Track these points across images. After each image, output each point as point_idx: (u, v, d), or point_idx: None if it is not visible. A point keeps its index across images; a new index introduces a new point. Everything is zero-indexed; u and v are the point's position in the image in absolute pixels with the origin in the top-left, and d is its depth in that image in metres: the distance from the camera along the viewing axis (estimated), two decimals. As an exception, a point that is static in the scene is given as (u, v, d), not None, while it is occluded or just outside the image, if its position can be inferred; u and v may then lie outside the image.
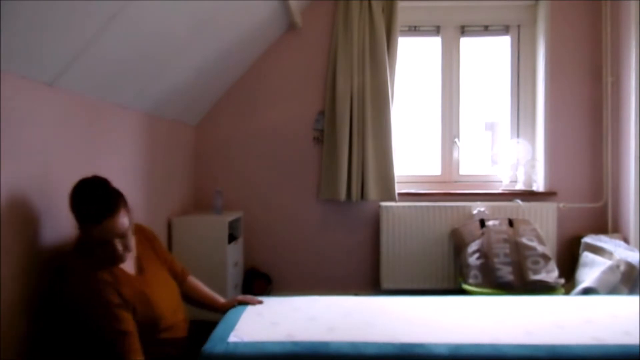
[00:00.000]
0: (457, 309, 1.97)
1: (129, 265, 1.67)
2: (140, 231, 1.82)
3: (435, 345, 1.57)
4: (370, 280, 3.44)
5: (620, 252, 2.80)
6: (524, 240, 2.93)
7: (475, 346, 1.56)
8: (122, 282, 1.58)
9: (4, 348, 1.49)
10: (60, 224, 1.83)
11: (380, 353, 1.55)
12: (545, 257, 2.88)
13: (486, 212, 3.28)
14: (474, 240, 3.03)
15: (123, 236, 1.58)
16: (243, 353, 1.55)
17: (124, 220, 1.57)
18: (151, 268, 1.75)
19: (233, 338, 1.62)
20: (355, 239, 3.47)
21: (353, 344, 1.58)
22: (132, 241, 1.66)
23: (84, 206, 1.54)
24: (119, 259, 1.59)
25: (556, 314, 1.90)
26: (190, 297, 1.94)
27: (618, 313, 1.88)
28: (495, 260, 2.86)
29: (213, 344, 1.57)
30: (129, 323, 1.53)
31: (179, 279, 1.91)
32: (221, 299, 2.01)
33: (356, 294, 3.17)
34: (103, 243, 1.55)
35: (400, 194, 3.33)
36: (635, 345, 1.54)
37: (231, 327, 1.71)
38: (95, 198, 1.55)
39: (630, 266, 2.68)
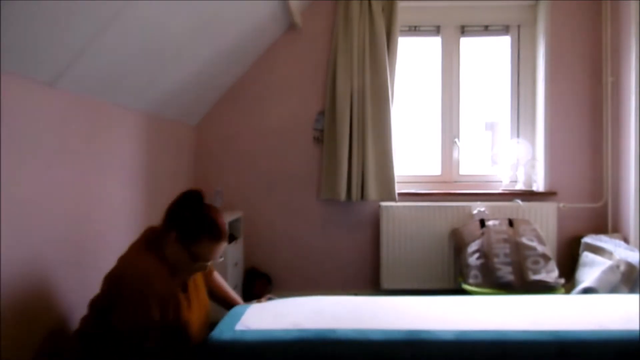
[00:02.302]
0: (461, 307, 1.99)
1: (177, 281, 1.65)
2: None
3: (442, 331, 1.58)
4: (370, 280, 3.44)
5: (620, 252, 2.80)
6: (524, 240, 2.93)
7: (481, 332, 1.58)
8: (170, 298, 1.55)
9: (4, 348, 1.49)
10: (60, 223, 1.83)
11: (386, 338, 1.55)
12: (545, 257, 2.88)
13: (486, 212, 3.28)
14: (474, 240, 3.03)
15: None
16: (250, 339, 1.55)
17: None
18: (194, 287, 1.73)
19: (240, 326, 1.62)
20: (355, 239, 3.47)
21: (359, 331, 1.59)
22: None
23: (212, 224, 1.59)
24: (183, 274, 1.62)
25: (560, 309, 1.92)
26: (214, 295, 1.94)
27: (622, 308, 1.89)
28: (495, 260, 2.86)
29: (220, 331, 1.58)
30: (153, 342, 1.50)
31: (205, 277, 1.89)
32: (240, 301, 1.99)
33: (356, 293, 3.17)
34: (201, 259, 1.58)
35: (400, 194, 3.33)
36: (636, 330, 1.57)
37: (237, 319, 1.72)
38: (219, 220, 1.61)
39: (630, 266, 2.68)
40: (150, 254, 1.57)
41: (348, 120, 3.28)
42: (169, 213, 1.60)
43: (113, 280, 1.55)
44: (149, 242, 1.62)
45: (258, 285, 3.32)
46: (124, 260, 1.59)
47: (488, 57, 3.68)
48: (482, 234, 3.02)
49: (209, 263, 1.63)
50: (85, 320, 1.63)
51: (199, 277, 1.79)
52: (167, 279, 1.55)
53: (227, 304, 1.95)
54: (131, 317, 1.47)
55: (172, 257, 1.58)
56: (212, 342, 1.53)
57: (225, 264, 2.91)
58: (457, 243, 3.18)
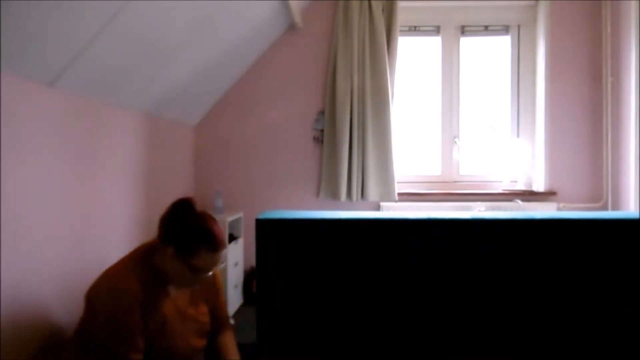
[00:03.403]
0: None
1: (174, 294, 1.57)
2: None
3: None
4: (370, 280, 3.44)
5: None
6: (524, 240, 2.93)
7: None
8: (157, 307, 1.49)
9: (4, 347, 1.49)
10: (59, 222, 1.83)
11: (409, 218, 1.74)
12: (545, 257, 2.87)
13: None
14: (474, 240, 3.02)
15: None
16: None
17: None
18: (196, 301, 1.65)
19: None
20: (355, 239, 3.46)
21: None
22: None
23: (208, 234, 1.50)
24: (180, 285, 1.56)
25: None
26: (213, 352, 1.74)
27: None
28: (495, 260, 2.86)
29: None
30: (139, 353, 1.44)
31: (215, 326, 1.72)
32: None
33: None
34: (202, 271, 1.51)
35: (400, 194, 3.33)
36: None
37: None
38: (214, 229, 1.52)
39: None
40: (135, 266, 1.51)
41: (348, 120, 3.28)
42: (163, 226, 1.52)
43: (89, 297, 1.50)
44: (139, 255, 1.56)
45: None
46: (102, 275, 1.53)
47: (488, 57, 3.68)
48: (482, 234, 3.02)
49: (210, 273, 1.57)
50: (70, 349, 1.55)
51: (200, 294, 1.68)
52: (150, 288, 1.48)
53: None
54: (111, 327, 1.41)
55: (172, 272, 1.51)
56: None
57: (225, 264, 2.91)
58: (457, 243, 3.18)
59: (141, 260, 1.53)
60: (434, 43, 3.59)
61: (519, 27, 3.56)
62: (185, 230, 1.49)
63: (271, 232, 1.71)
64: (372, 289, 1.70)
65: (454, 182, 3.56)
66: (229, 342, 1.74)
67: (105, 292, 1.46)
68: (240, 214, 3.30)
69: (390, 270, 1.70)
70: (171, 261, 1.49)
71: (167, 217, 1.52)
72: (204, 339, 1.66)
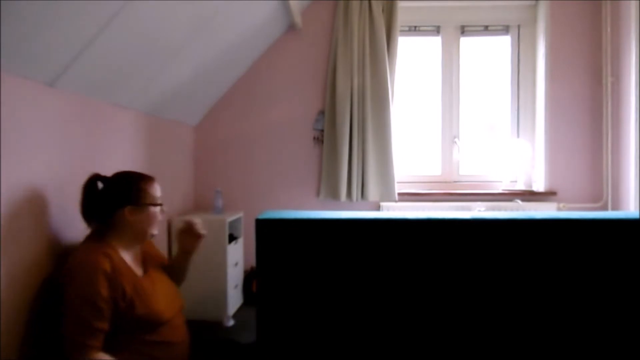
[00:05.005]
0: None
1: (133, 265, 1.67)
2: None
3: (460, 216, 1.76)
4: (370, 280, 3.44)
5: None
6: (524, 240, 2.93)
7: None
8: (123, 274, 1.56)
9: (4, 347, 1.49)
10: (62, 222, 1.83)
11: (409, 218, 1.75)
12: (545, 257, 2.88)
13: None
14: (474, 240, 3.03)
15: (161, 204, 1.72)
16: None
17: None
18: (153, 267, 1.76)
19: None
20: (355, 239, 3.46)
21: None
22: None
23: (134, 175, 1.69)
24: (152, 230, 1.69)
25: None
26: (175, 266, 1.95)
27: None
28: (495, 260, 2.86)
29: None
30: (105, 321, 1.48)
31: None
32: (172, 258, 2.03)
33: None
34: (157, 202, 1.68)
35: (400, 194, 3.33)
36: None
37: None
38: (132, 171, 1.73)
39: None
40: (95, 242, 1.61)
41: (348, 120, 3.28)
42: (105, 203, 1.64)
43: (60, 281, 1.56)
44: (94, 236, 1.65)
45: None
46: (68, 259, 1.59)
47: (488, 57, 3.68)
48: (482, 234, 3.02)
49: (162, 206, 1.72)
50: None
51: (156, 261, 1.82)
52: (112, 259, 1.55)
53: (176, 269, 1.94)
54: (77, 298, 1.46)
55: (138, 226, 1.64)
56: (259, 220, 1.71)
57: (225, 264, 2.91)
58: (457, 243, 3.18)
59: (98, 239, 1.63)
60: (434, 43, 3.59)
61: (519, 27, 3.56)
62: (121, 184, 1.66)
63: (271, 232, 1.71)
64: (372, 289, 1.70)
65: (454, 182, 3.56)
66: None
67: (71, 269, 1.53)
68: (240, 214, 3.30)
69: (390, 270, 1.70)
70: (133, 216, 1.63)
71: (102, 195, 1.66)
72: (179, 298, 1.78)
